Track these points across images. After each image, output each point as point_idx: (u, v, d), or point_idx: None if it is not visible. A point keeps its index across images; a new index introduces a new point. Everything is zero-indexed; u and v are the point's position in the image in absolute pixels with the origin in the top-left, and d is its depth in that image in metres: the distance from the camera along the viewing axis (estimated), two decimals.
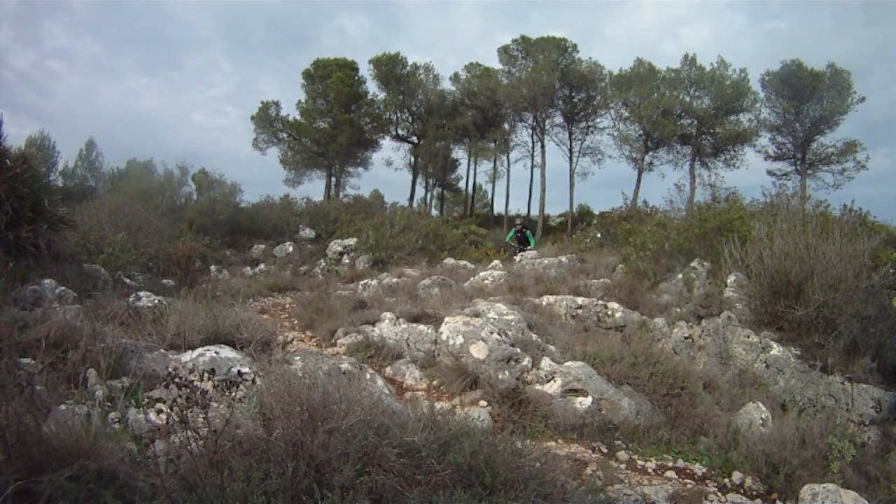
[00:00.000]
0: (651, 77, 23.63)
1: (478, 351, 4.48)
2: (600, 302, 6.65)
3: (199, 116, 78.58)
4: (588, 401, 4.07)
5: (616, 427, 4.02)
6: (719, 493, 3.33)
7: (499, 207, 30.54)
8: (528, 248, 12.98)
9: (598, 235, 12.66)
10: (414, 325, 5.64)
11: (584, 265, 9.52)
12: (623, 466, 3.58)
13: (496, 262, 10.79)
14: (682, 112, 23.37)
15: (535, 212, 25.70)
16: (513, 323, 5.27)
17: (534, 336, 5.28)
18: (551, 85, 23.07)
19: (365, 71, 26.34)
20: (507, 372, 4.35)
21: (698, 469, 3.63)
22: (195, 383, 2.00)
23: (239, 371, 2.41)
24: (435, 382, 4.66)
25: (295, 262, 13.10)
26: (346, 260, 13.02)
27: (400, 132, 27.63)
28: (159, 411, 1.98)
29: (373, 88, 26.67)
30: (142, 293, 5.41)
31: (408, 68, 26.18)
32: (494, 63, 26.28)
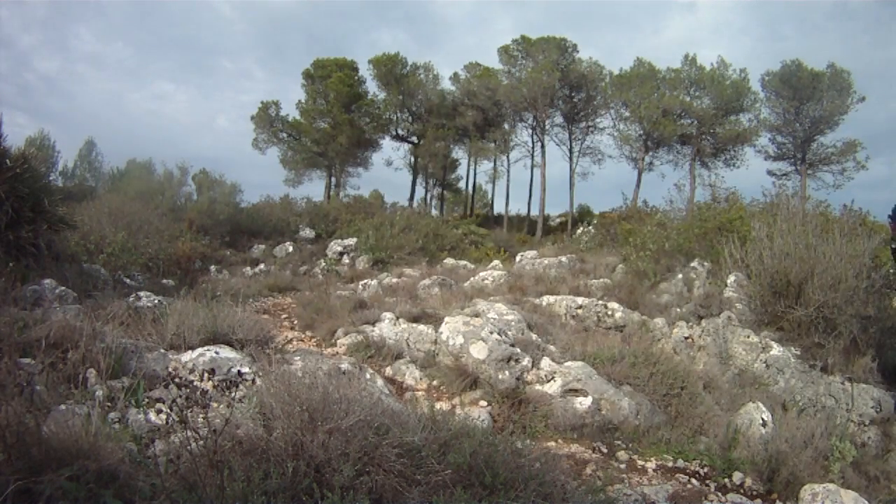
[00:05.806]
0: (651, 77, 23.61)
1: (478, 351, 4.48)
2: (600, 302, 6.65)
3: (225, 122, 77.81)
4: (588, 401, 4.07)
5: (616, 427, 4.02)
6: (719, 494, 3.33)
7: (499, 207, 30.50)
8: None
9: (598, 235, 12.66)
10: (414, 325, 5.63)
11: (584, 265, 9.53)
12: (623, 466, 3.58)
13: (496, 262, 10.79)
14: (682, 112, 23.33)
15: (535, 212, 25.72)
16: (513, 323, 5.27)
17: (534, 336, 5.28)
18: (551, 85, 23.05)
19: (365, 71, 26.34)
20: (507, 372, 4.35)
21: (698, 469, 3.63)
22: (195, 383, 2.00)
23: (239, 371, 2.41)
24: (435, 382, 4.66)
25: (295, 262, 13.09)
26: (346, 260, 13.02)
27: (400, 132, 27.60)
28: (159, 411, 1.98)
29: (373, 88, 26.65)
30: (142, 293, 5.41)
31: (408, 68, 26.15)
32: (499, 65, 26.25)
